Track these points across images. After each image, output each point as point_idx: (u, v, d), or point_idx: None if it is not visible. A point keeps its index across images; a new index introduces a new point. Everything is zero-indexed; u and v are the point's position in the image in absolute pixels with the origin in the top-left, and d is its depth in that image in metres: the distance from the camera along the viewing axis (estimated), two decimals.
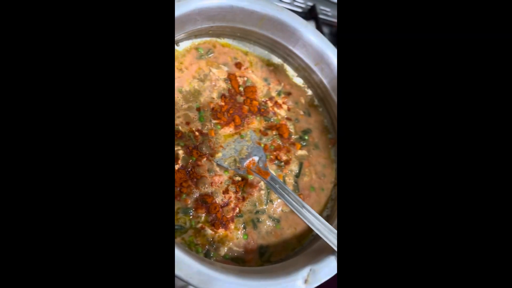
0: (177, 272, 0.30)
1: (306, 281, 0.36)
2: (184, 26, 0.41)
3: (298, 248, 0.43)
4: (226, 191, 0.42)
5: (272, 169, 0.45)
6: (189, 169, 0.40)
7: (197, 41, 0.48)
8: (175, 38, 0.43)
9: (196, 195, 0.40)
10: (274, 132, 0.48)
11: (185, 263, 0.31)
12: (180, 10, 0.37)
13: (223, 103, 0.46)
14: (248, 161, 0.44)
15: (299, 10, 0.71)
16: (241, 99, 0.48)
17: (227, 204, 0.41)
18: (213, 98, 0.46)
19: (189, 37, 0.47)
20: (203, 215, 0.39)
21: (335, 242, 0.36)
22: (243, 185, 0.43)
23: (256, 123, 0.48)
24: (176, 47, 0.47)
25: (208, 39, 0.50)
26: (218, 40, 0.51)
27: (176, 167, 0.39)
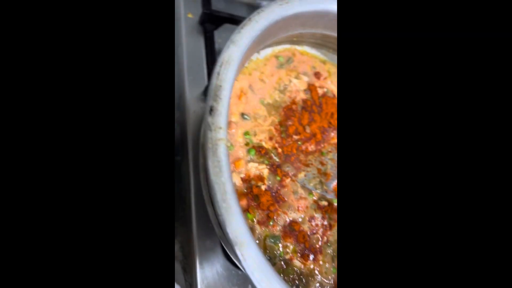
0: None
1: None
2: (278, 32, 0.37)
3: None
4: (312, 217, 0.37)
5: None
6: (274, 191, 0.36)
7: (277, 48, 0.45)
8: (261, 46, 0.40)
9: (283, 221, 0.36)
10: None
11: None
12: (279, 14, 0.33)
13: (304, 117, 0.42)
14: (334, 183, 0.39)
15: None
16: (321, 112, 0.44)
17: (315, 233, 0.37)
18: (294, 111, 0.42)
19: (270, 44, 0.43)
20: (292, 244, 0.35)
21: None
22: (329, 210, 0.38)
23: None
24: (257, 54, 0.43)
25: (288, 46, 0.46)
26: (297, 47, 0.47)
27: (263, 187, 0.35)
